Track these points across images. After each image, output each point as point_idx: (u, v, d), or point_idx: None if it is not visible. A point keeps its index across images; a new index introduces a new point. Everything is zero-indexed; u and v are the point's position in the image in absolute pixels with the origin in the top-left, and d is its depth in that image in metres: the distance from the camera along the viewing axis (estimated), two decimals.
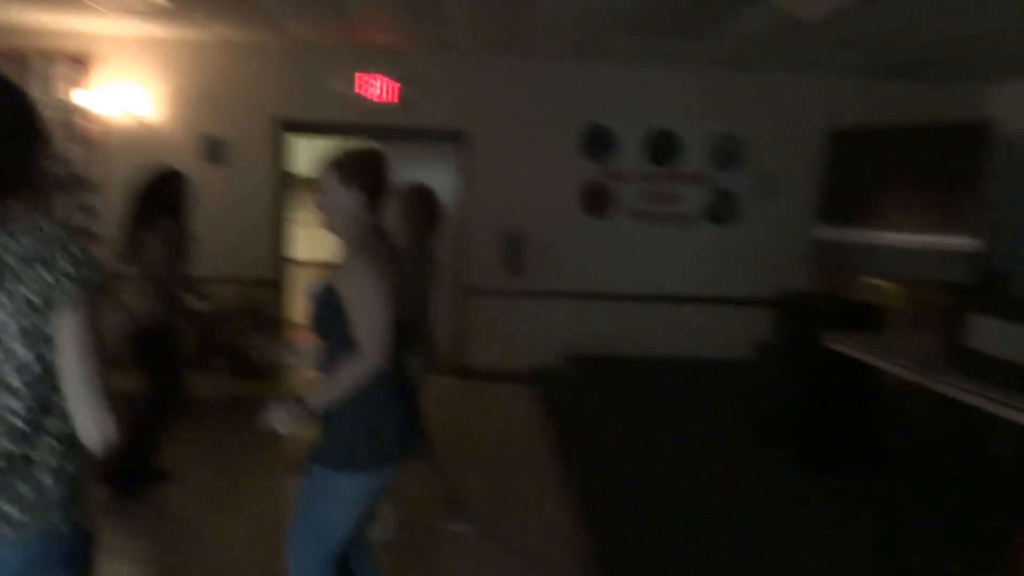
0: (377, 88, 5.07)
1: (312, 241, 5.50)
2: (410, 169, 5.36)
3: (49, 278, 1.02)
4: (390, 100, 5.09)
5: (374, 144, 5.12)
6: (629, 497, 3.12)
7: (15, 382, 1.04)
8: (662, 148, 5.46)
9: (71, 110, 4.98)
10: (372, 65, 5.05)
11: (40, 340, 1.04)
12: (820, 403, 3.41)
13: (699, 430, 3.90)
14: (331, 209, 1.74)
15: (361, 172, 1.73)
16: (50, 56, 4.95)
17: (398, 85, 5.08)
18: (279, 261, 5.32)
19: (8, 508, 1.06)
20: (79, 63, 4.97)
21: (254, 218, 5.15)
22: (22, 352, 1.03)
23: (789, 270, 5.42)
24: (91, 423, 1.08)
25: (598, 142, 5.41)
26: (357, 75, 5.06)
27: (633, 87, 5.37)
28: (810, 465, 3.38)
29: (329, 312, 1.71)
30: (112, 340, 3.24)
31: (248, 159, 5.14)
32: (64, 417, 1.09)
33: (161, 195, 3.11)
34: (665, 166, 5.47)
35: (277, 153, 5.20)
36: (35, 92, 4.93)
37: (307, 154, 5.05)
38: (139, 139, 5.03)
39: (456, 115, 5.25)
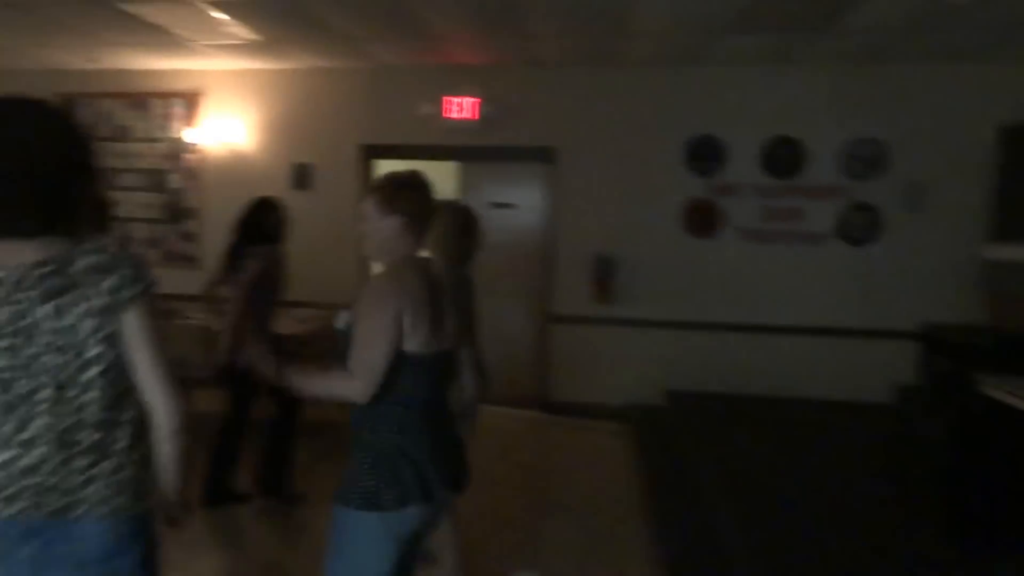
0: (461, 108, 4.96)
1: None
2: (496, 189, 5.24)
3: (113, 284, 1.19)
4: (472, 118, 4.94)
5: (417, 168, 5.03)
6: (734, 564, 2.61)
7: (94, 379, 1.20)
8: (783, 158, 4.82)
9: (182, 144, 5.36)
10: (456, 85, 4.94)
11: (111, 339, 1.21)
12: (977, 463, 2.70)
13: (824, 488, 3.25)
14: (370, 235, 1.72)
15: (399, 197, 1.69)
16: (164, 96, 5.38)
17: (479, 102, 4.92)
18: (362, 286, 5.33)
19: (91, 491, 1.21)
20: (186, 99, 5.35)
21: (339, 243, 5.15)
22: (97, 351, 1.20)
23: (945, 297, 4.57)
24: (163, 401, 1.26)
25: (704, 154, 4.88)
26: (443, 98, 4.99)
27: (745, 91, 4.80)
28: (966, 540, 2.78)
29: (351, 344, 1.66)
30: (204, 367, 3.36)
31: (334, 185, 5.20)
32: (136, 407, 1.26)
33: (259, 223, 3.27)
34: (787, 178, 4.81)
35: (363, 179, 5.22)
36: (154, 131, 5.39)
37: None
38: (234, 167, 5.29)
39: (543, 132, 4.99)
